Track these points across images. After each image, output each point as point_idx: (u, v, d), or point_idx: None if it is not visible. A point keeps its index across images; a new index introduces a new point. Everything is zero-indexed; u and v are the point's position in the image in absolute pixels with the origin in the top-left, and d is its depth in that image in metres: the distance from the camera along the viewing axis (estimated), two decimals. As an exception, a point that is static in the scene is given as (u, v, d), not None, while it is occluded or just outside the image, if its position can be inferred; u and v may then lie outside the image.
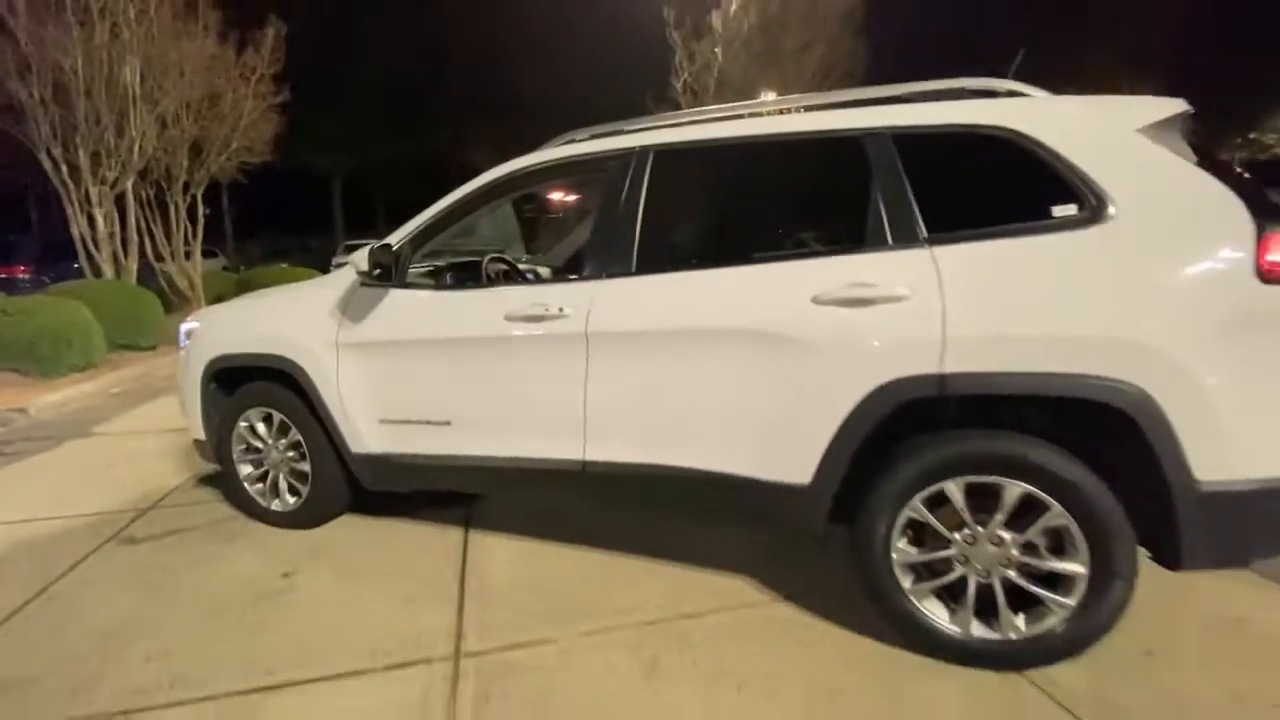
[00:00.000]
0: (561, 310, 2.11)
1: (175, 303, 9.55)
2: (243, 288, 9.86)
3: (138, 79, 8.09)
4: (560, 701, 1.71)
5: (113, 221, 8.49)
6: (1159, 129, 1.69)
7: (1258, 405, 1.55)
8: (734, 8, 11.70)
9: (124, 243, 8.62)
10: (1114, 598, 1.67)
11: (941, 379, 1.68)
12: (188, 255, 10.56)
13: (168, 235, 10.14)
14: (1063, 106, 1.81)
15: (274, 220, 28.45)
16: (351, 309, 2.47)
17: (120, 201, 8.57)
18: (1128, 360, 1.55)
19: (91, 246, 8.20)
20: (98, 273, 8.22)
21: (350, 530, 2.74)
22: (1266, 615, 2.01)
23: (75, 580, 2.41)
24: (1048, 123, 1.74)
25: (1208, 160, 1.70)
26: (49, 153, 7.75)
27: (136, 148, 8.36)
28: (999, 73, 2.04)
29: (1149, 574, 1.69)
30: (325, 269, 11.62)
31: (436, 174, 28.09)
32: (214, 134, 10.29)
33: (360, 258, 2.29)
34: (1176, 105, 1.77)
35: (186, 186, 10.30)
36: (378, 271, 2.29)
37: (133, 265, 8.66)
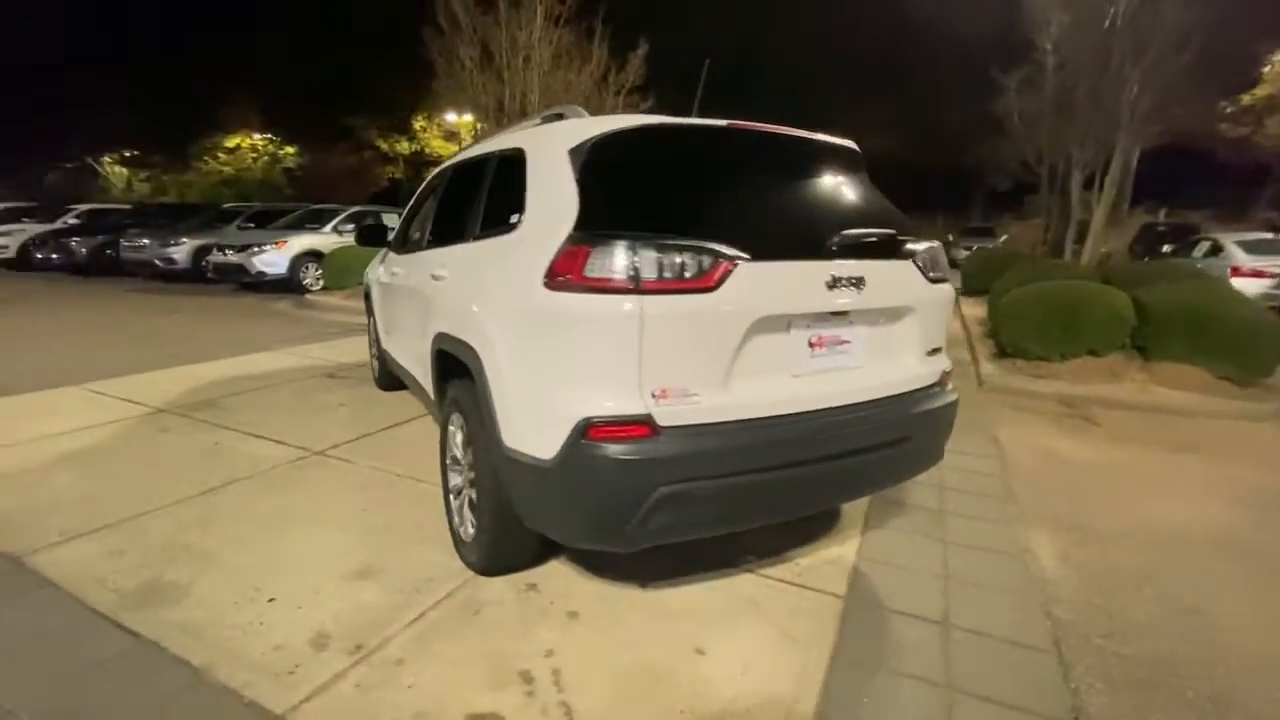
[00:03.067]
0: (399, 270, 3.36)
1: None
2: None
3: (536, 100, 11.73)
4: (320, 479, 3.10)
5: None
6: (590, 146, 1.90)
7: (528, 390, 1.79)
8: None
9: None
10: (488, 534, 2.10)
11: (440, 336, 2.36)
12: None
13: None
14: (549, 129, 2.11)
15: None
16: (382, 260, 4.20)
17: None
18: (472, 332, 1.99)
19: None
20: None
21: (394, 396, 4.56)
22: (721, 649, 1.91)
23: (294, 384, 4.89)
24: (534, 144, 2.13)
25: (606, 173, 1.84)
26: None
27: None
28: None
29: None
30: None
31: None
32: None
33: (357, 230, 3.98)
34: (630, 120, 1.91)
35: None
36: (362, 238, 3.96)
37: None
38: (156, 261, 11.58)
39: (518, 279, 1.88)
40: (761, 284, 1.78)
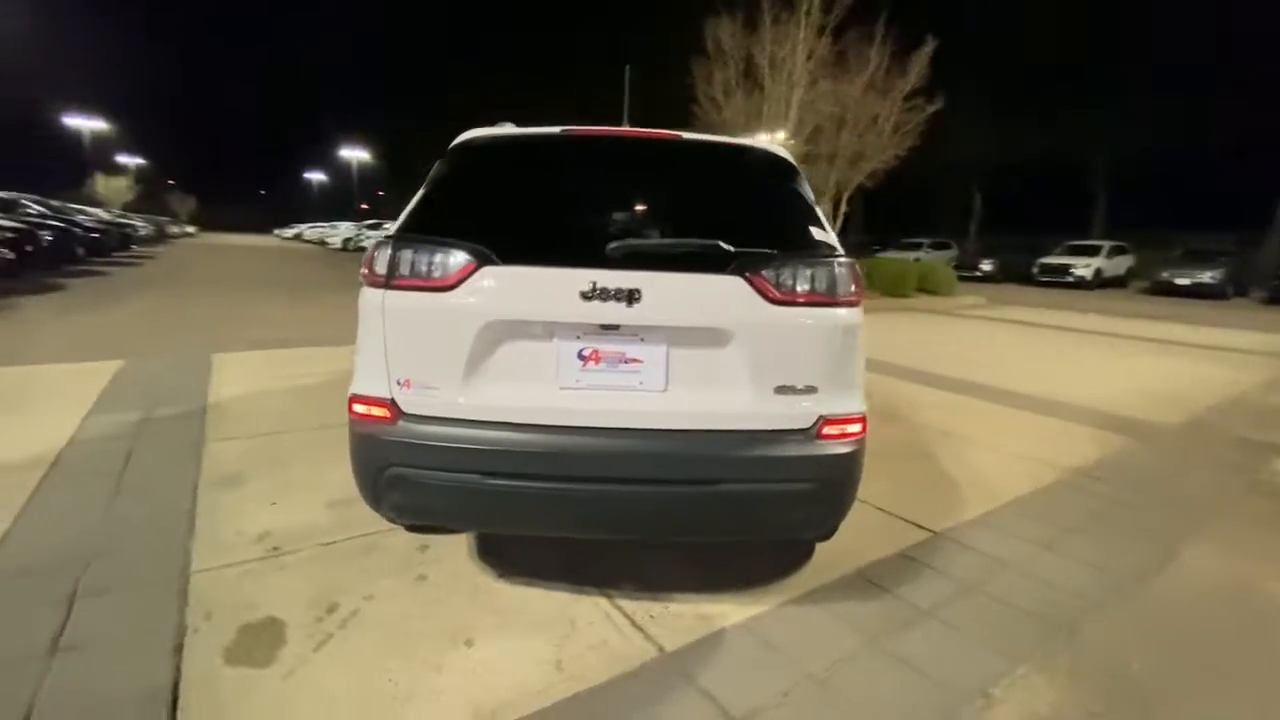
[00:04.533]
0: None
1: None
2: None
3: (795, 112, 11.60)
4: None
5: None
6: (454, 151, 2.10)
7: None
8: None
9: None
10: None
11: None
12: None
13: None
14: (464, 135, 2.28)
15: (1022, 217, 28.22)
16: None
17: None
18: None
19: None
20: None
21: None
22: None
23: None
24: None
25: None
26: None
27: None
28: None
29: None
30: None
31: (1226, 162, 21.08)
32: (871, 146, 12.87)
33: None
34: (486, 131, 2.05)
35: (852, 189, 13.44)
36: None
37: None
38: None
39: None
40: (504, 288, 1.77)
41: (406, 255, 1.81)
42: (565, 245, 1.82)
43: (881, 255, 20.34)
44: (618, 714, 1.72)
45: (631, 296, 1.75)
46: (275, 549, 2.50)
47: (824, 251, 1.87)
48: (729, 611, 2.21)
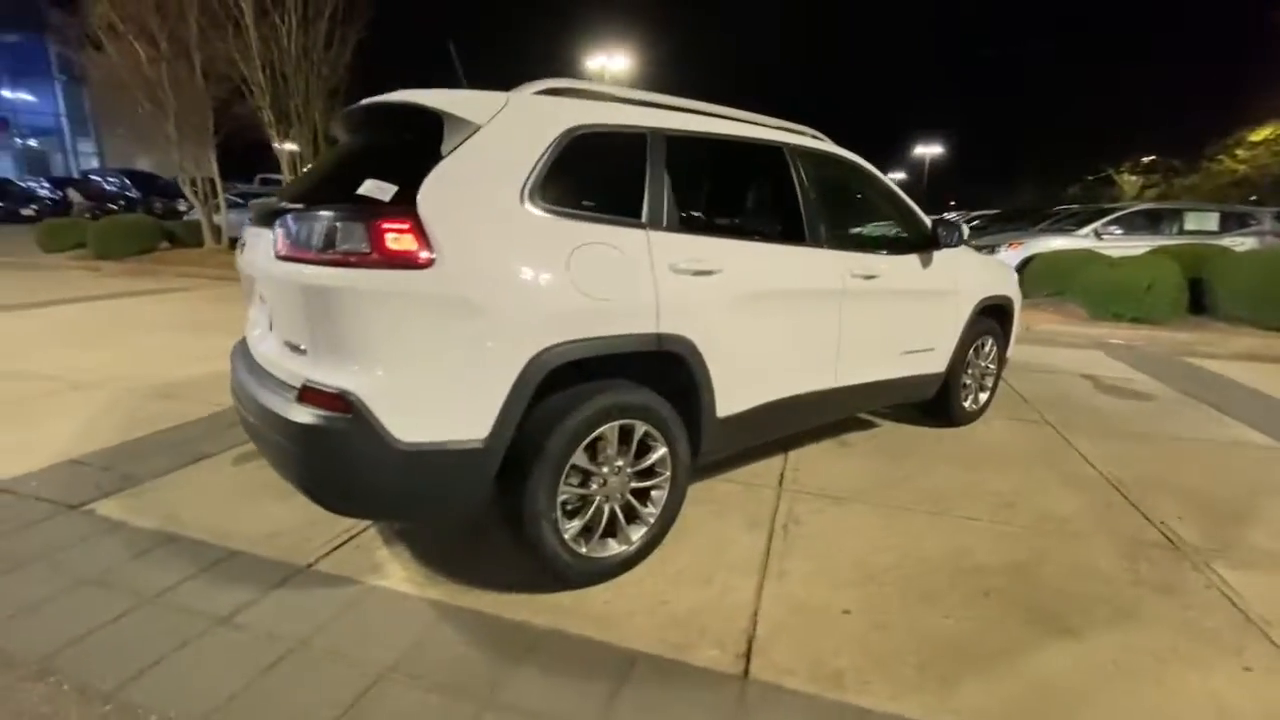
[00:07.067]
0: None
1: None
2: None
3: None
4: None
5: None
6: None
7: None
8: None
9: None
10: None
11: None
12: None
13: None
14: None
15: None
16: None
17: None
18: None
19: None
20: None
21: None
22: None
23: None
24: None
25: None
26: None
27: None
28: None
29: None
30: None
31: None
32: None
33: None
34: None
35: None
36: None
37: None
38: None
39: None
40: None
41: None
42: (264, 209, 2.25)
43: None
44: (200, 564, 2.18)
45: (245, 248, 2.09)
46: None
47: (328, 205, 1.68)
48: (398, 578, 2.18)
